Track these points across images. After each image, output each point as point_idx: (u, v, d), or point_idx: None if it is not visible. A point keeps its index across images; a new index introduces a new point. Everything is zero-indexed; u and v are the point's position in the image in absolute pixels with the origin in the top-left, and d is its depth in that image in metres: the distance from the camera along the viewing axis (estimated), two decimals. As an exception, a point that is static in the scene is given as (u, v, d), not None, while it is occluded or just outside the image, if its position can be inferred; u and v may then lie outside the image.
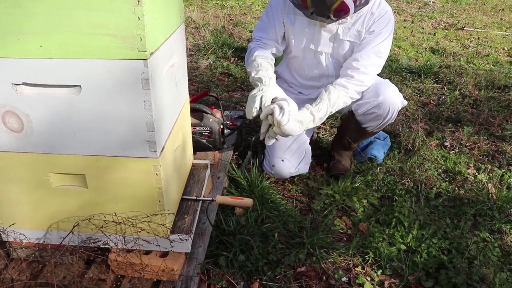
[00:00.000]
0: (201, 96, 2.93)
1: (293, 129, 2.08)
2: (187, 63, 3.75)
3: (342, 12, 2.09)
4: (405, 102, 2.44)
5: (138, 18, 1.27)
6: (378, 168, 2.69)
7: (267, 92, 2.13)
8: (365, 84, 2.30)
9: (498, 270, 1.96)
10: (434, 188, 2.58)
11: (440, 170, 2.78)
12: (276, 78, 2.48)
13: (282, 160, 2.48)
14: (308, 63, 2.49)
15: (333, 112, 2.28)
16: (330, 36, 2.35)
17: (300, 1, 2.13)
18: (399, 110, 2.42)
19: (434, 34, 6.11)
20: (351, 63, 2.31)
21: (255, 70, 2.28)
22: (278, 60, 2.59)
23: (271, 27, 2.42)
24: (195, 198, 1.93)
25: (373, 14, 2.27)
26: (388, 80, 2.45)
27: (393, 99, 2.35)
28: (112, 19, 1.28)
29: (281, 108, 2.05)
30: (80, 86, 1.39)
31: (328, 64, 2.45)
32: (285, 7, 2.35)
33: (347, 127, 2.60)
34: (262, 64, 2.29)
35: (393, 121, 2.45)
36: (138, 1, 1.25)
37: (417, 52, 5.29)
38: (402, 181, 2.59)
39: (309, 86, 2.61)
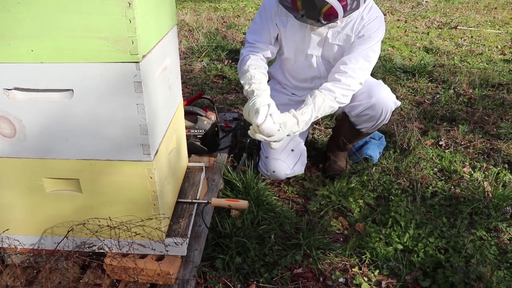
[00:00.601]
0: (195, 99, 2.92)
1: (270, 128, 2.03)
2: (181, 66, 3.74)
3: (332, 15, 2.08)
4: (398, 103, 2.44)
5: (130, 20, 1.27)
6: (374, 168, 2.69)
7: (256, 102, 2.11)
8: (352, 88, 2.27)
9: (495, 269, 1.95)
10: (430, 187, 2.57)
11: (435, 169, 2.79)
12: (269, 80, 2.47)
13: (277, 161, 2.48)
14: (300, 65, 2.49)
15: (320, 116, 2.25)
16: (319, 40, 2.35)
17: (291, 3, 2.13)
18: (394, 110, 2.42)
19: (428, 33, 6.13)
20: (339, 67, 2.29)
21: (248, 84, 2.26)
22: (271, 61, 2.58)
23: (265, 29, 2.41)
24: (190, 201, 1.93)
25: (363, 18, 2.26)
26: (381, 81, 2.45)
27: (385, 101, 2.35)
28: (104, 22, 1.27)
29: (257, 111, 2.05)
30: (72, 90, 1.38)
31: (320, 66, 2.45)
32: (278, 9, 2.34)
33: (342, 128, 2.60)
34: (255, 76, 2.27)
35: (387, 122, 2.45)
36: (129, 4, 1.24)
37: (411, 51, 5.30)
38: (398, 181, 2.59)
39: (302, 88, 2.61)
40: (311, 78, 2.53)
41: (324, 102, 2.21)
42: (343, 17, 2.11)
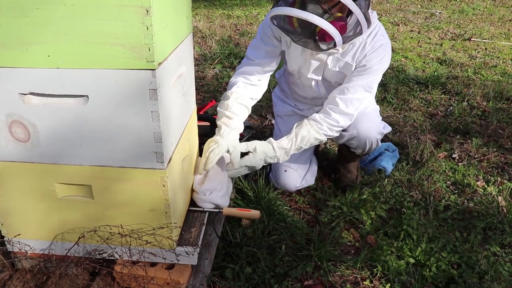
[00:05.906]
0: (207, 106, 2.92)
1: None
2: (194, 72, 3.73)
3: (325, 35, 1.90)
4: (387, 130, 2.42)
5: (147, 28, 1.26)
6: (386, 180, 2.66)
7: (220, 147, 2.05)
8: (340, 124, 2.21)
9: (510, 286, 1.92)
10: (443, 201, 2.54)
11: (448, 182, 2.75)
12: (276, 85, 2.40)
13: (288, 170, 2.46)
14: (302, 83, 2.44)
15: (306, 147, 2.22)
16: (318, 65, 2.26)
17: (288, 22, 1.99)
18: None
19: (441, 45, 6.09)
20: (335, 97, 2.20)
21: (221, 114, 2.20)
22: (281, 64, 2.52)
23: (267, 45, 2.28)
24: (202, 209, 1.91)
25: (365, 47, 2.13)
26: (370, 110, 2.40)
27: (368, 133, 2.33)
28: (121, 28, 1.26)
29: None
30: (87, 96, 1.38)
31: (320, 87, 2.39)
32: None
33: (342, 147, 2.60)
34: (232, 108, 2.18)
35: (378, 146, 2.46)
36: (147, 11, 1.24)
37: (424, 62, 5.27)
38: (411, 193, 2.56)
39: (303, 102, 2.58)
40: (311, 98, 2.50)
41: (309, 134, 2.19)
42: (344, 42, 1.95)
